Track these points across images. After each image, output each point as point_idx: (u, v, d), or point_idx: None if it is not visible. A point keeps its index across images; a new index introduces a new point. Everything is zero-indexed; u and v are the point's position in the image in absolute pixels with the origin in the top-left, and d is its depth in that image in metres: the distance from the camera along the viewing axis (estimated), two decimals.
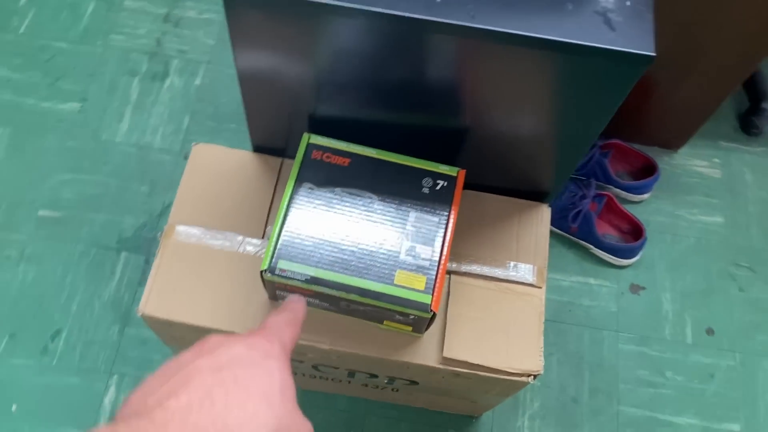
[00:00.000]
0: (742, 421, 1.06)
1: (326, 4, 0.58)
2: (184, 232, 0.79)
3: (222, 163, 0.84)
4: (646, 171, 1.20)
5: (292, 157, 0.83)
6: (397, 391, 0.92)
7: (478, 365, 0.75)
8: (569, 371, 1.07)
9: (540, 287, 0.80)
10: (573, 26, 0.59)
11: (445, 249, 0.71)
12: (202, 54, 1.28)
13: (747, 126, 1.28)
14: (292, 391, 0.36)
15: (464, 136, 0.76)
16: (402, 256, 0.70)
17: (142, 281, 1.08)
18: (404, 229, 0.72)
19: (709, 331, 1.12)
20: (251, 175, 0.83)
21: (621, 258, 1.14)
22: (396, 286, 0.69)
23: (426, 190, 0.74)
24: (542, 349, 0.76)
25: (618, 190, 1.19)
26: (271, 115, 0.80)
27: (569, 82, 0.64)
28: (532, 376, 0.75)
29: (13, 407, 0.98)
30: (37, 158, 1.16)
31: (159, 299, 0.76)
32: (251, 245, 0.79)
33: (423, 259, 0.70)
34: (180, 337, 0.83)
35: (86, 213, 1.12)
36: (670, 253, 1.18)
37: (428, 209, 0.73)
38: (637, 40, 0.58)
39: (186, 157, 1.16)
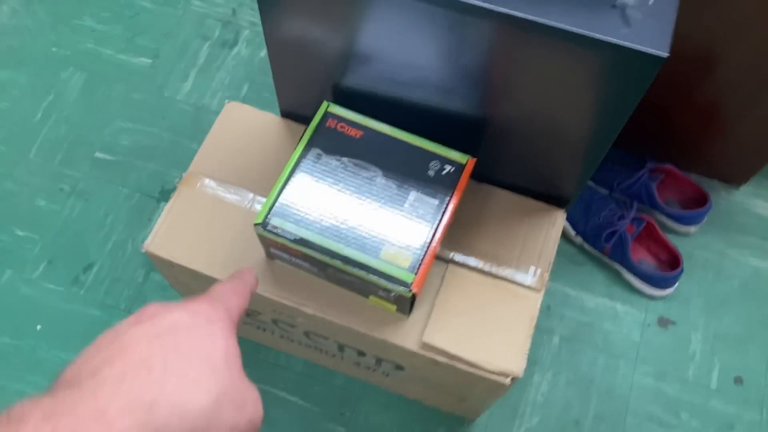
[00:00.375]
0: None
1: None
2: (201, 181, 0.83)
3: (249, 123, 0.87)
4: (698, 203, 1.13)
5: None
6: (388, 375, 0.92)
7: (456, 356, 0.73)
8: (576, 393, 1.03)
9: (538, 291, 0.78)
10: (586, 17, 0.57)
11: (439, 233, 0.71)
12: None
13: None
14: (238, 357, 0.34)
15: (481, 125, 0.75)
16: (393, 233, 0.70)
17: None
18: (402, 207, 0.72)
19: (738, 380, 1.05)
20: (274, 137, 0.86)
21: (653, 287, 1.08)
22: (381, 260, 0.69)
23: (431, 173, 0.74)
24: (527, 353, 0.74)
25: (664, 218, 1.13)
26: (297, 81, 0.82)
27: (582, 76, 0.62)
28: (510, 378, 0.73)
29: (38, 327, 1.05)
30: (103, 104, 1.23)
31: (164, 240, 0.79)
32: (260, 204, 0.81)
33: (414, 239, 0.70)
34: (182, 281, 0.86)
35: (137, 161, 1.18)
36: (710, 291, 1.11)
37: (430, 191, 0.73)
38: (651, 39, 0.56)
39: None
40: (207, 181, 0.83)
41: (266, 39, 0.77)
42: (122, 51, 1.29)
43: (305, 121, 0.87)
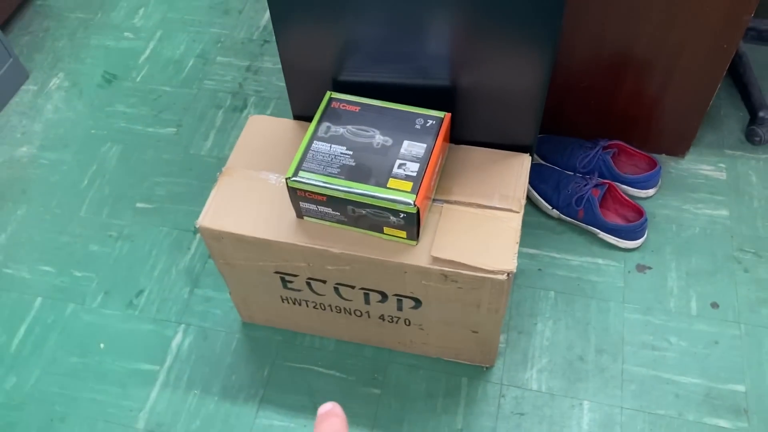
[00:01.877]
0: (748, 382, 1.11)
1: None
2: (237, 171, 1.03)
3: (270, 127, 1.09)
4: (651, 169, 1.33)
5: None
6: (409, 324, 1.07)
7: (461, 263, 0.90)
8: (576, 334, 1.18)
9: (518, 212, 0.96)
10: None
11: (429, 166, 0.90)
12: (273, 93, 1.58)
13: (750, 136, 1.41)
14: None
15: (450, 91, 0.97)
16: (395, 169, 0.90)
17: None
18: (399, 151, 0.92)
19: (714, 305, 1.20)
20: (291, 134, 1.07)
21: (626, 240, 1.26)
22: (388, 188, 0.88)
23: (418, 126, 0.94)
24: (516, 255, 0.91)
25: (625, 187, 1.33)
26: (305, 86, 1.04)
27: (508, 19, 0.85)
28: (507, 274, 0.90)
29: (101, 345, 1.20)
30: (138, 166, 1.45)
31: (213, 216, 0.98)
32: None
33: (411, 171, 0.90)
34: (228, 257, 1.03)
35: (173, 205, 1.38)
36: (675, 240, 1.28)
37: (419, 138, 0.93)
38: None
39: None
40: (242, 170, 1.03)
41: (281, 58, 1.00)
42: (150, 125, 1.53)
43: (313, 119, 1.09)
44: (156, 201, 1.40)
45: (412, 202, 0.87)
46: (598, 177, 1.31)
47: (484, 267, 0.90)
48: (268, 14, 1.76)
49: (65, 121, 1.55)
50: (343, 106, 0.98)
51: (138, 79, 1.63)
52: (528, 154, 1.02)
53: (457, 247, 0.92)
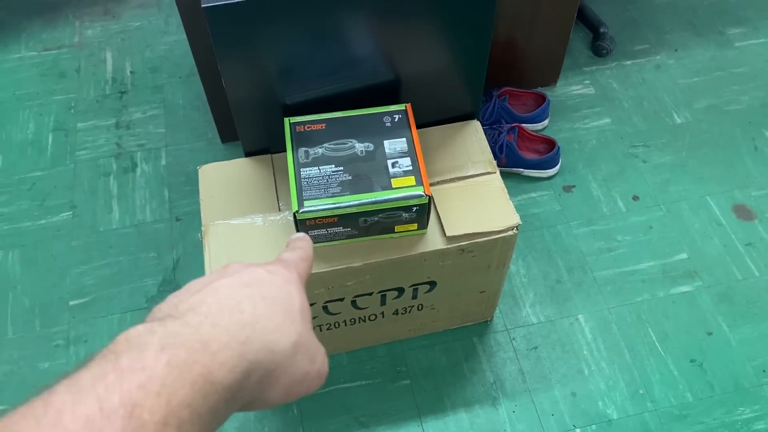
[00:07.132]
0: (686, 249, 1.31)
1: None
2: (217, 225, 0.98)
3: (226, 172, 1.05)
4: (540, 103, 1.49)
5: (276, 151, 1.06)
6: (421, 309, 1.12)
7: (474, 234, 0.97)
8: (545, 263, 1.30)
9: (494, 172, 1.04)
10: None
11: (419, 156, 0.94)
12: (158, 142, 1.49)
13: (597, 50, 1.62)
14: (310, 314, 0.39)
15: (398, 84, 1.01)
16: (391, 169, 0.93)
17: None
18: (384, 152, 0.95)
19: (635, 198, 1.39)
20: (251, 172, 1.04)
21: (546, 169, 1.40)
22: (395, 189, 0.91)
23: (389, 124, 0.98)
24: (514, 209, 0.99)
25: (524, 125, 1.47)
26: (255, 121, 1.02)
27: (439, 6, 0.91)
28: (515, 228, 0.98)
29: None
30: (50, 264, 1.31)
31: None
32: (272, 217, 0.99)
33: (406, 167, 0.93)
34: None
35: (110, 289, 1.27)
36: (581, 156, 1.46)
37: (396, 135, 0.96)
38: None
39: (178, 220, 1.35)
40: (221, 223, 0.99)
41: (229, 99, 0.97)
42: (39, 218, 1.38)
43: (266, 152, 1.07)
44: (89, 292, 1.28)
45: (423, 193, 0.90)
46: (505, 123, 1.43)
47: (494, 229, 0.97)
48: (112, 65, 1.64)
49: None
50: (308, 127, 0.98)
51: None
52: (475, 119, 1.10)
53: (463, 221, 0.98)
